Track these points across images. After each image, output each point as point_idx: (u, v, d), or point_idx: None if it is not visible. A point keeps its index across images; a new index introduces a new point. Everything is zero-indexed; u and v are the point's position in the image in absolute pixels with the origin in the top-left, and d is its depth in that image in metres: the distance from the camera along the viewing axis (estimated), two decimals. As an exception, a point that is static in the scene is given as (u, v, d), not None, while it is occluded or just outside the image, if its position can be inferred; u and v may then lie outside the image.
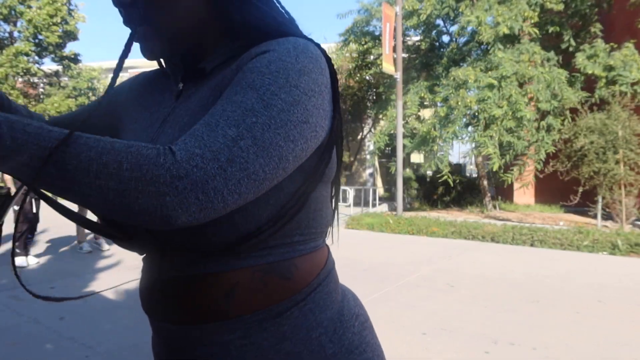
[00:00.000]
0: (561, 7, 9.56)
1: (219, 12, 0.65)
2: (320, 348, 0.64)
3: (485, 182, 11.32)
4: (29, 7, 18.08)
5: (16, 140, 0.46)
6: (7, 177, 4.42)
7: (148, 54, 0.65)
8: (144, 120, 0.70)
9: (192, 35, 0.65)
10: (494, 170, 8.96)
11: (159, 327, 0.69)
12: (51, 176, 0.48)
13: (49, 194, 0.64)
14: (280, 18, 0.66)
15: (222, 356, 0.62)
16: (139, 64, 30.25)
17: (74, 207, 4.26)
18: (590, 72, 8.83)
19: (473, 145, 9.32)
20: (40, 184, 0.49)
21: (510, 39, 9.66)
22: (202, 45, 0.67)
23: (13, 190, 3.81)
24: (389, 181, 15.66)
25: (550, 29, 10.07)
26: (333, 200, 0.72)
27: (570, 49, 9.84)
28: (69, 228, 6.95)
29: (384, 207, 12.03)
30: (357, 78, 14.55)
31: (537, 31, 9.61)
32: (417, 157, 17.57)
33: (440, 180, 9.95)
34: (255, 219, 0.59)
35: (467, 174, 18.16)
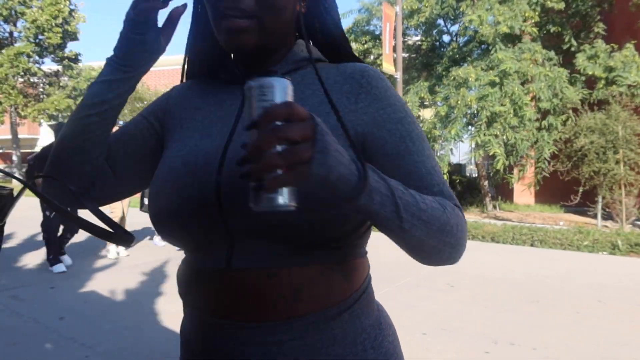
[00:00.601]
0: (562, 6, 9.56)
1: (306, 18, 0.71)
2: (363, 353, 0.66)
3: (485, 182, 11.32)
4: (29, 7, 18.07)
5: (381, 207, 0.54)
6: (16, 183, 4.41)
7: (241, 46, 0.64)
8: (203, 117, 0.72)
9: (281, 37, 0.68)
10: (498, 169, 8.93)
11: (204, 322, 0.66)
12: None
13: (47, 197, 0.65)
14: (340, 29, 0.75)
15: (276, 357, 0.62)
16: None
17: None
18: (590, 73, 8.83)
19: (473, 145, 9.30)
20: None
21: (511, 39, 9.66)
22: (277, 48, 0.70)
23: None
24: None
25: (551, 29, 10.06)
26: None
27: (572, 48, 9.83)
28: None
29: (384, 207, 12.02)
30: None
31: (537, 31, 9.60)
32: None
33: None
34: (353, 221, 0.63)
35: (467, 174, 18.17)
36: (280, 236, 0.60)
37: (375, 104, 0.66)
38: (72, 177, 0.71)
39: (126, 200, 5.43)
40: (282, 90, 0.49)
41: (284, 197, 0.48)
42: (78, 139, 0.69)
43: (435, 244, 0.61)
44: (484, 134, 8.62)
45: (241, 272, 0.62)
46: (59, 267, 4.77)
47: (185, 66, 0.79)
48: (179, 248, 0.73)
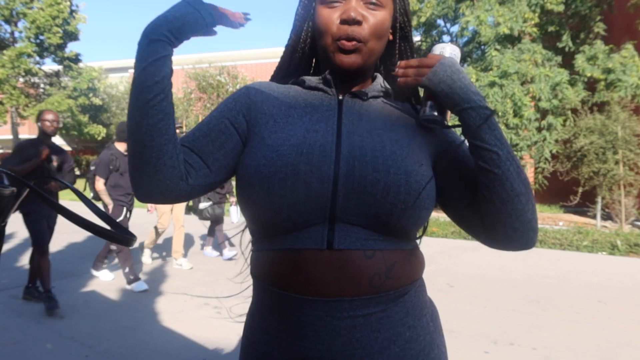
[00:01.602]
0: (561, 8, 9.56)
1: (397, 49, 0.88)
2: (426, 325, 0.81)
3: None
4: (30, 7, 18.07)
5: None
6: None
7: (350, 64, 0.78)
8: (300, 115, 0.81)
9: (374, 62, 0.84)
10: None
11: (294, 299, 0.73)
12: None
13: (48, 196, 0.65)
14: None
15: (364, 327, 0.72)
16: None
17: (74, 208, 4.25)
18: (589, 74, 8.82)
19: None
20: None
21: (511, 40, 9.66)
22: (367, 73, 0.85)
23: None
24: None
25: (550, 29, 10.06)
26: None
27: (571, 49, 9.83)
28: (69, 228, 6.94)
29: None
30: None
31: (537, 31, 9.61)
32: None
33: None
34: (424, 215, 0.77)
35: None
36: (376, 223, 0.73)
37: (447, 133, 0.87)
38: (164, 166, 0.73)
39: (179, 212, 5.11)
40: (452, 51, 0.81)
41: (431, 110, 0.78)
42: (154, 128, 0.71)
43: (527, 202, 0.76)
44: None
45: (342, 252, 0.72)
46: (140, 286, 4.16)
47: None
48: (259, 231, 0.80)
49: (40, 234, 3.63)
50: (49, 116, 3.68)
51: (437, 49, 0.81)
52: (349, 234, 0.72)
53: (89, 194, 4.36)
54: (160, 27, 0.72)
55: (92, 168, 4.33)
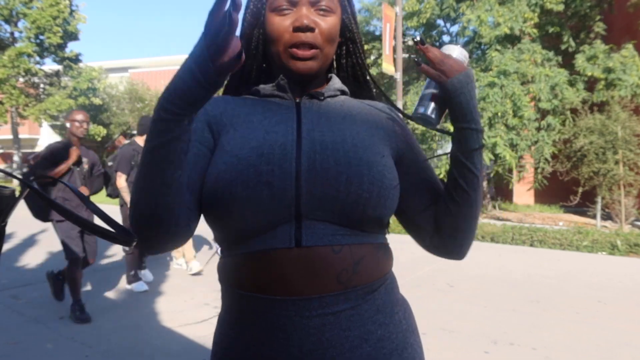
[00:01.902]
0: (561, 7, 9.56)
1: (345, 50, 0.89)
2: (399, 323, 0.79)
3: (485, 183, 11.33)
4: (30, 8, 18.07)
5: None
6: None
7: (307, 70, 0.79)
8: (259, 120, 0.80)
9: (327, 64, 0.84)
10: (509, 165, 8.89)
11: (262, 300, 0.73)
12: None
13: (48, 196, 0.65)
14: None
15: (333, 325, 0.72)
16: (139, 63, 30.11)
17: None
18: (589, 74, 8.82)
19: None
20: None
21: (511, 40, 9.66)
22: (321, 75, 0.86)
23: None
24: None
25: (550, 30, 10.06)
26: None
27: (571, 49, 9.83)
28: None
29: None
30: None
31: (537, 31, 9.61)
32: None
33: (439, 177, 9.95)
34: (389, 207, 0.78)
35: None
36: (342, 216, 0.73)
37: (407, 131, 0.89)
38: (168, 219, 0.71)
39: None
40: (461, 53, 0.81)
41: (434, 113, 0.78)
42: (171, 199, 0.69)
43: (477, 224, 0.82)
44: (488, 137, 8.61)
45: (310, 249, 0.72)
46: (140, 286, 4.11)
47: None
48: (224, 235, 0.79)
49: (73, 243, 3.39)
50: (79, 116, 3.43)
51: (446, 50, 0.80)
52: (316, 231, 0.72)
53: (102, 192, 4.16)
54: (164, 100, 0.65)
55: (111, 164, 4.08)
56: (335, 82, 0.87)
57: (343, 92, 0.88)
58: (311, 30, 0.77)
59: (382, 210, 0.75)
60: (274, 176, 0.72)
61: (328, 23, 0.79)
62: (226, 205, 0.72)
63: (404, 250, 6.21)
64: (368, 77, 0.92)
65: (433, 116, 0.78)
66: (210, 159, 0.78)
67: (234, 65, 0.61)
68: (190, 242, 4.91)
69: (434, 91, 0.78)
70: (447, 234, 0.83)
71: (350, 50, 0.89)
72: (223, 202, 0.72)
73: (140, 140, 4.21)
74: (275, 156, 0.73)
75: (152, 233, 0.71)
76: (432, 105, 0.78)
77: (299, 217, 0.72)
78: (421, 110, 0.78)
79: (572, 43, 9.85)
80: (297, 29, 0.77)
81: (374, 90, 0.93)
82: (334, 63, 0.91)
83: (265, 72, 0.88)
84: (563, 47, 9.97)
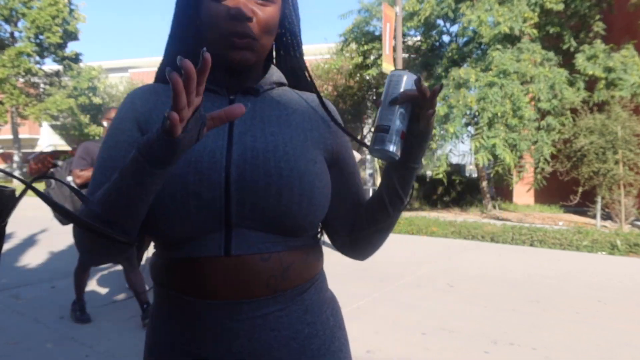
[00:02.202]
0: (561, 7, 9.56)
1: (284, 41, 0.86)
2: (326, 320, 0.82)
3: (484, 183, 11.33)
4: (30, 7, 18.06)
5: None
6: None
7: (242, 61, 0.76)
8: None
9: (264, 56, 0.81)
10: (497, 170, 8.91)
11: (195, 304, 0.74)
12: None
13: (48, 196, 0.65)
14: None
15: (263, 327, 0.74)
16: (139, 63, 30.10)
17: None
18: (590, 73, 8.82)
19: (474, 145, 9.29)
20: None
21: (511, 39, 9.66)
22: (259, 67, 0.83)
23: None
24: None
25: (551, 30, 10.06)
26: None
27: (572, 49, 9.83)
28: (69, 228, 6.94)
29: (383, 207, 12.01)
30: (357, 78, 14.55)
31: (537, 32, 9.60)
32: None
33: (436, 177, 9.94)
34: (320, 214, 0.79)
35: (467, 174, 18.17)
36: (272, 225, 0.73)
37: (340, 132, 0.87)
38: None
39: None
40: (409, 82, 0.71)
41: (399, 150, 0.72)
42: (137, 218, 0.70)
43: (386, 238, 0.87)
44: (487, 137, 8.60)
45: (239, 257, 0.72)
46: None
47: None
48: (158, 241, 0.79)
49: None
50: (114, 114, 3.34)
51: (394, 77, 0.73)
52: (246, 239, 0.73)
53: None
54: (147, 155, 0.61)
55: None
56: (273, 74, 0.85)
57: (281, 84, 0.86)
58: (249, 19, 0.74)
59: (313, 218, 0.76)
60: (202, 187, 0.71)
61: (267, 13, 0.76)
62: (154, 215, 0.72)
63: (404, 250, 6.22)
64: (307, 74, 0.89)
65: (399, 155, 0.72)
66: None
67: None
68: None
69: (404, 129, 0.72)
70: (360, 245, 0.87)
71: (289, 43, 0.86)
72: (151, 212, 0.71)
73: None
74: (204, 165, 0.72)
75: (105, 249, 0.71)
76: (401, 143, 0.72)
77: (228, 225, 0.72)
78: (392, 148, 0.71)
79: (573, 43, 9.85)
80: (234, 18, 0.73)
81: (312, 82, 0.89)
82: (274, 54, 0.89)
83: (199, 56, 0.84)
84: (563, 46, 9.97)
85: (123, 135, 0.78)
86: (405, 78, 0.72)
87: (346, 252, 0.91)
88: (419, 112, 0.71)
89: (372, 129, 0.73)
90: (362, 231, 0.85)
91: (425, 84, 0.69)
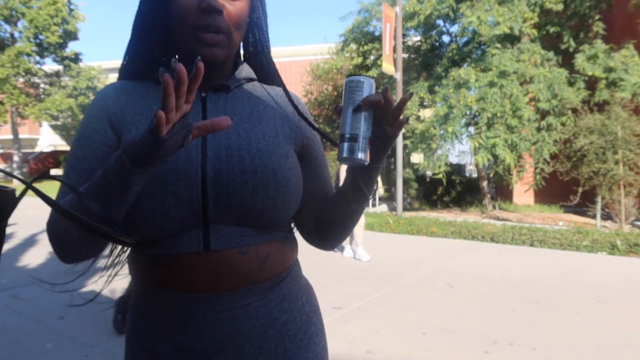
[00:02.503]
0: (561, 7, 9.56)
1: (252, 37, 0.87)
2: (302, 307, 0.85)
3: (485, 183, 11.33)
4: (30, 7, 18.05)
5: None
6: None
7: (212, 57, 0.76)
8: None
9: (234, 52, 0.81)
10: (497, 170, 8.91)
11: (175, 297, 0.76)
12: None
13: (47, 196, 0.65)
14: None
15: (242, 316, 0.76)
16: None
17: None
18: (590, 73, 8.82)
19: (473, 145, 9.29)
20: None
21: (510, 39, 9.66)
22: (228, 63, 0.83)
23: None
24: (389, 181, 15.68)
25: (550, 29, 10.06)
26: None
27: (571, 49, 9.83)
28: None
29: (383, 207, 12.03)
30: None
31: (536, 32, 9.61)
32: (417, 158, 17.58)
33: (435, 177, 9.94)
34: (293, 208, 0.82)
35: (467, 174, 18.17)
36: (248, 220, 0.76)
37: (308, 126, 0.88)
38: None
39: None
40: (369, 87, 0.70)
41: (363, 154, 0.70)
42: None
43: (351, 230, 0.91)
44: (486, 137, 8.60)
45: (218, 252, 0.74)
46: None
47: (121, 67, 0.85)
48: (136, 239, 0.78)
49: None
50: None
51: (355, 83, 0.71)
52: (223, 234, 0.75)
53: None
54: (134, 157, 0.62)
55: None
56: (243, 70, 0.85)
57: (250, 79, 0.87)
58: (219, 12, 0.74)
59: (287, 212, 0.79)
60: (180, 186, 0.72)
61: (236, 7, 0.76)
62: (133, 214, 0.72)
63: (404, 250, 6.22)
64: (274, 68, 0.90)
65: (368, 160, 0.72)
66: None
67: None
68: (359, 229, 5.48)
69: (370, 135, 0.71)
70: (326, 237, 0.90)
71: (257, 38, 0.87)
72: (130, 211, 0.72)
73: None
74: (181, 164, 0.73)
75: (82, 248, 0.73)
76: (368, 148, 0.71)
77: (206, 222, 0.74)
78: (361, 156, 0.70)
79: (572, 43, 9.85)
80: (205, 11, 0.73)
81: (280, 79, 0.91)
82: (242, 50, 0.89)
83: (166, 49, 0.82)
84: (563, 46, 9.97)
85: (96, 134, 0.78)
86: (365, 83, 0.71)
87: (313, 242, 0.93)
88: (383, 116, 0.72)
89: (339, 140, 0.72)
90: (326, 222, 0.88)
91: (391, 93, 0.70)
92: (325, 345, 0.90)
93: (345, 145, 0.71)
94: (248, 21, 0.83)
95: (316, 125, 0.89)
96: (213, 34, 0.74)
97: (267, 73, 0.89)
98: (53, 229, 0.74)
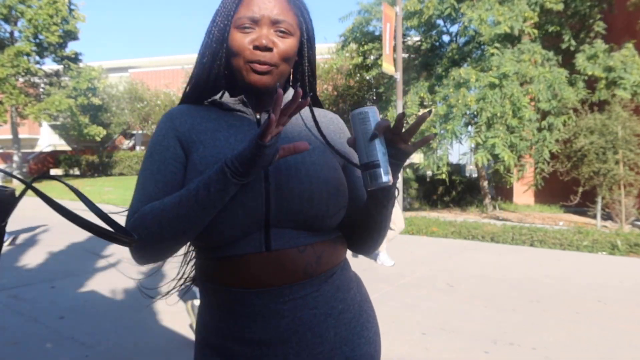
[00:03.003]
0: (561, 7, 9.55)
1: (298, 68, 0.96)
2: (354, 296, 0.94)
3: (485, 183, 11.32)
4: (30, 6, 18.04)
5: None
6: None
7: (262, 84, 0.86)
8: (225, 138, 0.89)
9: (283, 80, 0.91)
10: (498, 169, 8.89)
11: (242, 293, 0.84)
12: None
13: (47, 196, 0.65)
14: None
15: (303, 307, 0.85)
16: (139, 63, 30.08)
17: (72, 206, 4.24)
18: (590, 73, 8.81)
19: (473, 145, 9.28)
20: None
21: (511, 39, 9.65)
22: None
23: None
24: (389, 181, 15.67)
25: (550, 29, 10.06)
26: None
27: (571, 48, 9.82)
28: (69, 228, 6.93)
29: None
30: (357, 78, 14.55)
31: (537, 32, 9.60)
32: (417, 157, 17.57)
33: (437, 177, 9.93)
34: (341, 215, 0.92)
35: (467, 174, 18.16)
36: (304, 225, 0.86)
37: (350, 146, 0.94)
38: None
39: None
40: (374, 114, 0.78)
41: (387, 177, 0.78)
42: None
43: (382, 238, 0.98)
44: (485, 136, 8.59)
45: (279, 251, 0.84)
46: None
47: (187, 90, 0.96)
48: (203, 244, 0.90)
49: None
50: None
51: (362, 115, 0.79)
52: (282, 236, 0.84)
53: None
54: (237, 171, 0.76)
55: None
56: (290, 95, 0.94)
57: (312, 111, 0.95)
58: (269, 50, 0.85)
59: (338, 217, 0.90)
60: (246, 197, 0.82)
61: (286, 44, 0.87)
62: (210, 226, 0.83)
63: (404, 250, 6.22)
64: (316, 96, 1.01)
65: (392, 180, 0.80)
66: (185, 176, 0.87)
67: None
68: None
69: (387, 156, 0.79)
70: (361, 240, 0.97)
71: (306, 69, 0.96)
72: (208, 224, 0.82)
73: None
74: None
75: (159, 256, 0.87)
76: (389, 169, 0.79)
77: (267, 226, 0.84)
78: (386, 179, 0.78)
79: (573, 42, 9.84)
80: (257, 48, 0.85)
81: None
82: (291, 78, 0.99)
83: (226, 78, 0.93)
84: (563, 46, 9.96)
85: (168, 152, 0.89)
86: (369, 113, 0.78)
87: (352, 247, 1.01)
88: (394, 137, 0.79)
89: (361, 169, 0.79)
90: (360, 230, 0.96)
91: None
92: (378, 331, 0.98)
93: (370, 173, 0.78)
94: (297, 54, 0.94)
95: (341, 153, 0.95)
96: (263, 65, 0.85)
97: (312, 99, 1.00)
98: (153, 237, 0.82)
